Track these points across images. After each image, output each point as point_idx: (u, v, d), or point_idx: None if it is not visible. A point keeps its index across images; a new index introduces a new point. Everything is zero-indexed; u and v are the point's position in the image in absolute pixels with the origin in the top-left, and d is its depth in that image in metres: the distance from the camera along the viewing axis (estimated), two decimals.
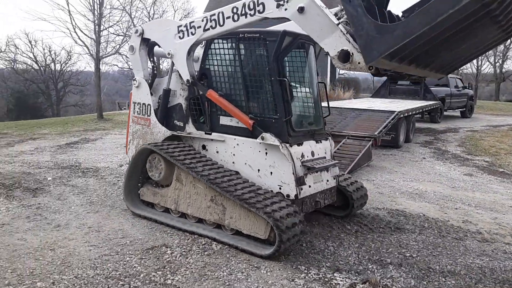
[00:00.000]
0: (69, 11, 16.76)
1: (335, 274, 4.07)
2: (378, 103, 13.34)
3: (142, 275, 3.85)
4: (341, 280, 3.95)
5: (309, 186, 4.82)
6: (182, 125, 5.53)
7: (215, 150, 5.20)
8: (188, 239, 4.70)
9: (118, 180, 7.04)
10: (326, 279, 3.96)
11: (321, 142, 5.21)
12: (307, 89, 5.36)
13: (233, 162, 5.03)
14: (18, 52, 37.15)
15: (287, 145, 4.63)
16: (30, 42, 39.02)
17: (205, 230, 4.82)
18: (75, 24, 20.62)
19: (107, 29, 18.82)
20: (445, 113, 18.57)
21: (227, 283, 3.78)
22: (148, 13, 28.39)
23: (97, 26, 16.95)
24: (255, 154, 4.83)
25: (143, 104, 5.79)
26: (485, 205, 6.62)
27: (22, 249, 4.30)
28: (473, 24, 3.66)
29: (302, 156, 4.78)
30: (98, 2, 16.84)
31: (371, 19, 3.62)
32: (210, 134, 5.22)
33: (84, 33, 25.97)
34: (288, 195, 4.63)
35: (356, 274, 4.09)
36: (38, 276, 3.77)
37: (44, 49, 40.87)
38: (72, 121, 16.56)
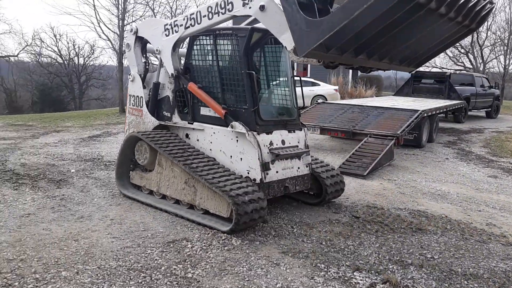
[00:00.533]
0: (94, 6, 17.08)
1: (355, 273, 4.04)
2: (401, 101, 13.15)
3: (163, 268, 3.90)
4: (361, 280, 3.92)
5: (277, 172, 5.22)
6: (169, 115, 5.99)
7: (196, 138, 5.66)
8: (208, 233, 4.74)
9: None
10: (346, 278, 3.93)
11: (294, 132, 5.56)
12: (280, 82, 5.86)
13: (210, 149, 5.48)
14: (43, 45, 38.07)
15: (255, 133, 5.04)
16: (55, 36, 39.91)
17: (180, 210, 5.26)
18: (100, 18, 20.97)
19: (131, 23, 19.03)
20: (469, 113, 18.19)
21: (247, 279, 3.80)
22: (171, 8, 28.56)
23: (121, 21, 17.17)
24: (228, 142, 5.27)
25: (137, 96, 6.31)
26: (510, 208, 6.46)
27: (47, 239, 4.41)
28: (406, 17, 3.90)
29: (271, 143, 5.19)
30: None
31: (303, 15, 3.93)
32: (192, 123, 5.68)
33: (108, 28, 26.39)
34: (254, 179, 5.04)
35: (376, 274, 4.05)
36: (62, 265, 3.86)
37: (68, 43, 41.69)
38: (95, 115, 16.85)
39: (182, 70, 5.78)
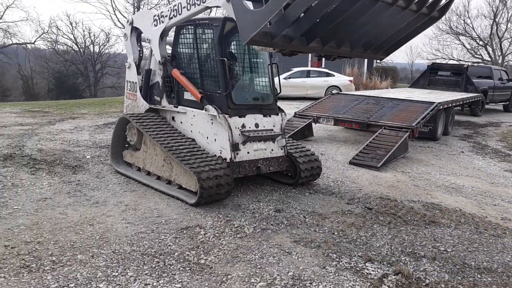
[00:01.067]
0: None
1: (367, 264, 4.04)
2: (416, 93, 12.99)
3: (176, 254, 3.95)
4: (372, 270, 3.92)
5: (248, 152, 5.60)
6: (159, 99, 6.48)
7: (180, 121, 6.13)
8: (221, 221, 4.77)
9: None
10: (358, 269, 3.94)
11: (270, 116, 5.92)
12: (258, 69, 6.25)
13: (191, 131, 5.95)
14: (59, 33, 38.50)
15: (226, 116, 5.43)
16: (71, 24, 40.29)
17: (160, 185, 5.74)
18: (115, 6, 21.01)
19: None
20: (486, 106, 17.89)
21: (259, 266, 3.83)
22: None
23: (136, 9, 17.20)
24: (205, 124, 5.71)
25: (132, 82, 6.89)
26: None
27: (63, 223, 4.49)
28: (347, 5, 4.12)
29: (243, 126, 5.58)
30: None
31: (244, 5, 4.33)
32: (177, 107, 6.12)
33: (124, 16, 26.46)
34: (225, 159, 5.45)
35: (389, 265, 4.05)
36: (78, 249, 3.93)
37: (84, 31, 42.02)
38: (110, 102, 16.99)
39: (169, 57, 6.25)
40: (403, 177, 7.33)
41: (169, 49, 6.45)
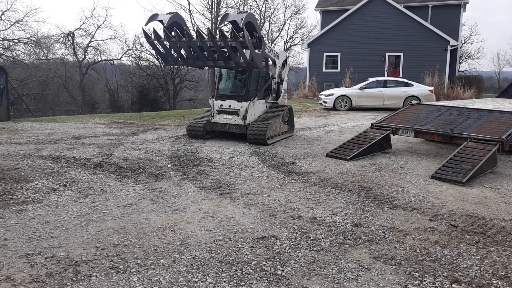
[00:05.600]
0: (189, 11, 17.97)
1: (453, 285, 3.77)
2: (506, 103, 12.01)
3: (253, 263, 3.98)
4: None
5: (219, 119, 10.41)
6: None
7: None
8: (297, 233, 4.74)
9: (230, 171, 7.37)
10: None
11: (241, 102, 10.23)
12: (238, 76, 10.76)
13: None
14: (142, 50, 40.92)
15: (214, 99, 10.54)
16: None
17: None
18: (194, 22, 21.97)
19: (222, 27, 19.71)
20: None
21: (336, 281, 3.73)
22: (260, 11, 29.09)
23: (214, 25, 17.87)
24: None
25: None
26: None
27: (147, 228, 4.73)
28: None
29: (221, 106, 10.39)
30: (215, 1, 17.74)
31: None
32: None
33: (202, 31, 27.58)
34: (210, 120, 10.57)
35: None
36: (161, 253, 4.11)
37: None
38: (188, 114, 17.73)
39: None
40: (492, 193, 6.79)
41: None
